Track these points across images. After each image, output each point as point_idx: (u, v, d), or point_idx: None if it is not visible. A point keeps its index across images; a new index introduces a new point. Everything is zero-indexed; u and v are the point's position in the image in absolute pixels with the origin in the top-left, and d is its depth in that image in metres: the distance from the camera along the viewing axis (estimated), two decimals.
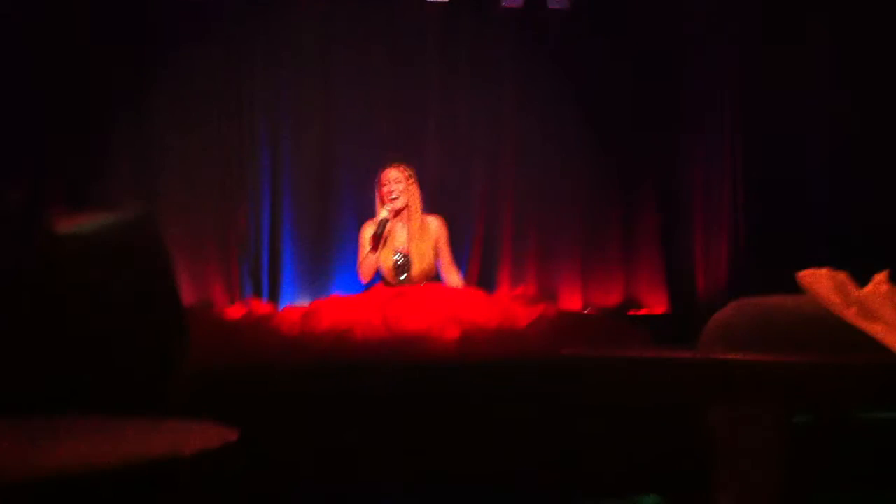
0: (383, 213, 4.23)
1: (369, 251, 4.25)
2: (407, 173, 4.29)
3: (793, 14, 4.49)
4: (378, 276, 4.32)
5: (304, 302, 4.54)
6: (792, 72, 4.51)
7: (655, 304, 5.03)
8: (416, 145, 5.00)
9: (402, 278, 4.26)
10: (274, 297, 4.77)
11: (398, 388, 3.26)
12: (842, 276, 1.49)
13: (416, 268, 4.26)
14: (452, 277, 4.35)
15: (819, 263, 1.54)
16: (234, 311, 4.07)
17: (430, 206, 4.41)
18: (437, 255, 4.32)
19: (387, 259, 4.27)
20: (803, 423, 1.64)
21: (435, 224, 4.35)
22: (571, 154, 5.12)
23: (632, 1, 5.11)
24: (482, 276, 4.99)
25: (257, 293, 4.76)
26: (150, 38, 4.78)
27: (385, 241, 4.26)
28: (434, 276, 4.34)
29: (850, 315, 1.44)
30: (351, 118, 4.99)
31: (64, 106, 4.61)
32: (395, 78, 5.05)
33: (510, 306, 3.93)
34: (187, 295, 4.54)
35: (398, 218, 4.30)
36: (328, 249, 4.91)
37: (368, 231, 4.30)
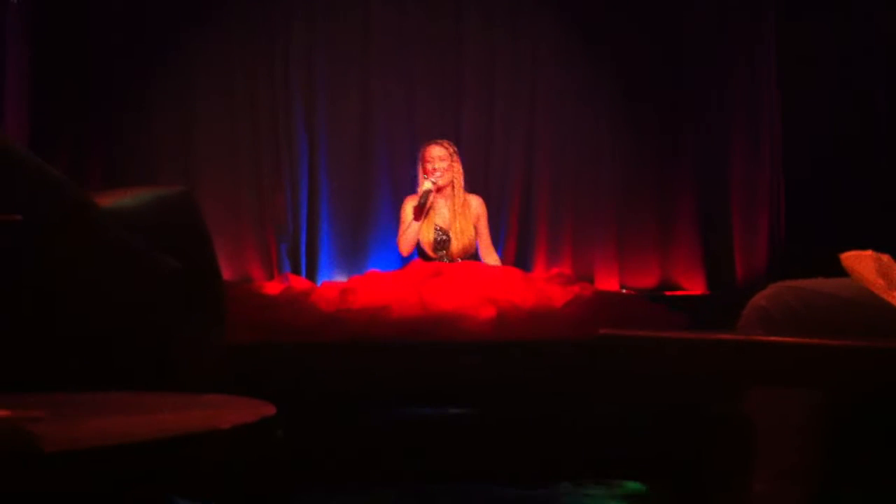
0: (427, 185, 4.25)
1: (411, 221, 4.27)
2: (450, 150, 4.33)
3: None
4: (416, 250, 4.35)
5: (341, 278, 4.57)
6: (830, 46, 4.41)
7: (693, 286, 4.98)
8: (453, 124, 4.99)
9: (441, 254, 4.29)
10: (311, 274, 4.80)
11: (433, 365, 3.27)
12: (886, 258, 1.46)
13: (456, 244, 4.29)
14: (490, 257, 4.38)
15: (861, 246, 1.51)
16: (273, 287, 4.11)
17: (467, 185, 4.43)
18: (476, 233, 4.35)
19: (427, 234, 4.30)
20: (843, 409, 1.62)
21: (475, 203, 4.39)
22: (609, 134, 5.08)
23: None
24: (518, 256, 4.98)
25: (295, 270, 4.80)
26: (186, 16, 4.80)
27: (427, 214, 4.28)
28: (473, 254, 4.36)
29: (894, 298, 1.42)
30: (387, 96, 4.98)
31: (104, 86, 4.67)
32: (433, 56, 5.03)
33: (546, 286, 3.93)
34: (226, 271, 4.58)
35: (440, 195, 4.32)
36: (365, 226, 4.92)
37: (410, 205, 4.34)
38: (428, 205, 4.26)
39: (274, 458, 1.19)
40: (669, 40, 5.04)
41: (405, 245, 4.31)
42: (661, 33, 5.03)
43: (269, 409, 1.07)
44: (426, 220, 4.29)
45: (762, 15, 4.68)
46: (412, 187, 4.63)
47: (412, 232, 4.28)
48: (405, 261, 4.46)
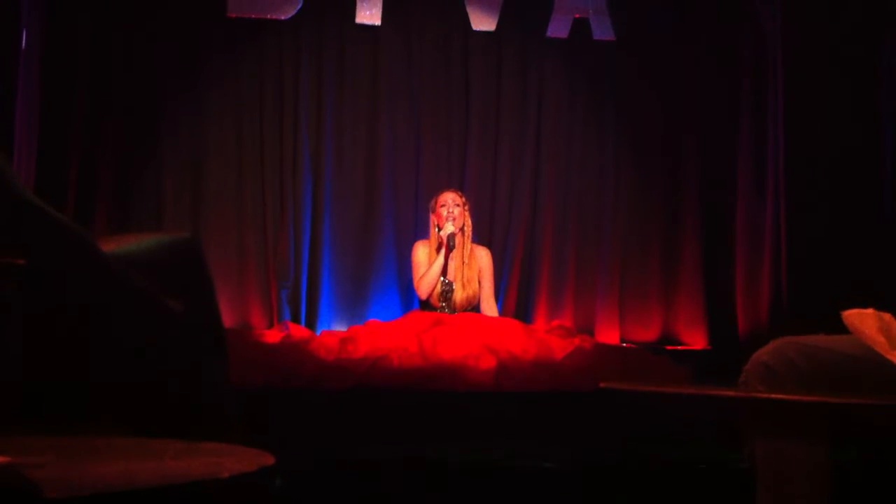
0: (449, 228, 4.27)
1: (436, 261, 4.28)
2: (463, 199, 4.38)
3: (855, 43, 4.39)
4: (417, 300, 4.38)
5: (341, 328, 4.56)
6: (835, 91, 4.44)
7: (694, 340, 4.96)
8: (457, 174, 5.01)
9: (443, 304, 4.30)
10: (311, 322, 4.79)
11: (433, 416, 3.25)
12: (887, 316, 1.47)
13: (460, 294, 4.30)
14: (489, 307, 4.38)
15: (863, 304, 1.52)
16: (272, 335, 4.10)
17: (472, 233, 4.48)
18: (479, 284, 4.37)
19: None
20: (848, 464, 1.61)
21: (482, 254, 4.45)
22: (613, 186, 5.09)
23: (678, 33, 5.09)
24: (519, 308, 4.96)
25: (295, 317, 4.78)
26: (194, 61, 4.85)
27: (454, 250, 4.29)
28: (475, 307, 4.36)
29: (895, 356, 1.42)
30: (393, 145, 5.01)
31: (112, 130, 4.70)
32: (440, 106, 5.06)
33: (546, 338, 3.92)
34: (226, 317, 4.56)
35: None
36: (367, 274, 4.91)
37: (422, 249, 4.38)
38: (459, 245, 4.28)
39: None
40: (675, 87, 5.08)
41: (425, 287, 4.30)
42: (666, 80, 5.07)
43: (268, 459, 1.07)
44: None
45: (769, 62, 4.71)
46: (416, 235, 4.65)
47: (436, 269, 4.28)
48: (405, 310, 4.46)
